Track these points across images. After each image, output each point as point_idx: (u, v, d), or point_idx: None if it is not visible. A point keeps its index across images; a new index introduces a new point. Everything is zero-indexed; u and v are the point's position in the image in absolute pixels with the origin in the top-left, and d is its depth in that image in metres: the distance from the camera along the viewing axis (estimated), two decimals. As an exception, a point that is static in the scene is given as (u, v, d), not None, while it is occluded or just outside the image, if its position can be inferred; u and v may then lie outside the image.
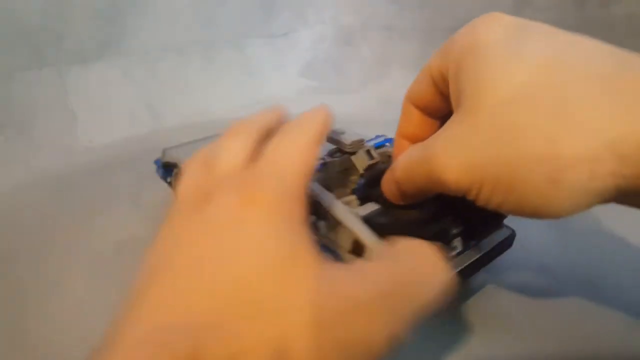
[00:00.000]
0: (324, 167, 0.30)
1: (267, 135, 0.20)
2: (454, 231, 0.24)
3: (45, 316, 0.28)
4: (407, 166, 0.19)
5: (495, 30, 0.18)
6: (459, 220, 0.25)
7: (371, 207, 0.24)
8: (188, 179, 0.20)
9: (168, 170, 0.38)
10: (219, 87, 0.70)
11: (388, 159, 0.31)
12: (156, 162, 0.40)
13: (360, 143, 0.30)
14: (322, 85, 0.76)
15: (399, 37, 0.75)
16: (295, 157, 0.18)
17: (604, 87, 0.15)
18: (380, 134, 0.34)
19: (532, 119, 0.15)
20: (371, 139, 0.32)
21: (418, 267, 0.17)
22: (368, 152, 0.29)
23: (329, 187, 0.28)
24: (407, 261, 0.17)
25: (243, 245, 0.15)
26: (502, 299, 0.28)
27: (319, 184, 0.27)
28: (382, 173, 0.25)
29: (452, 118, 0.17)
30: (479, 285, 0.29)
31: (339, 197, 0.27)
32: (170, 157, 0.38)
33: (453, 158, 0.17)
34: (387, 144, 0.33)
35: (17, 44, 0.53)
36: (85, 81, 0.60)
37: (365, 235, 0.22)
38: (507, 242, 0.27)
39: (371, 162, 0.29)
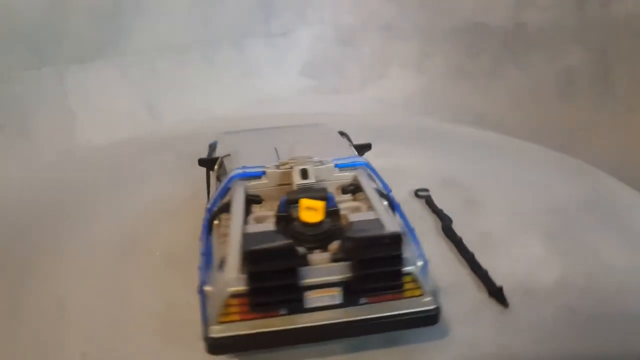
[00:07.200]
0: (263, 175, 0.28)
1: None
2: (335, 279, 0.22)
3: (45, 331, 0.27)
4: None
5: None
6: (346, 270, 0.22)
7: (265, 227, 0.24)
8: None
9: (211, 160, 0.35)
10: (218, 86, 0.70)
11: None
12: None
13: (304, 158, 0.28)
14: (322, 84, 0.76)
15: (399, 37, 0.75)
16: None
17: None
18: (355, 155, 0.32)
19: None
20: (342, 158, 0.30)
21: None
22: (304, 171, 0.27)
23: (258, 198, 0.27)
24: None
25: None
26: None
27: (244, 194, 0.26)
28: (300, 197, 0.24)
29: None
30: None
31: (265, 210, 0.26)
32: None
33: None
34: (361, 166, 0.30)
35: (17, 43, 0.53)
36: (85, 81, 0.60)
37: (232, 256, 0.21)
38: (421, 318, 0.23)
39: (302, 182, 0.27)
